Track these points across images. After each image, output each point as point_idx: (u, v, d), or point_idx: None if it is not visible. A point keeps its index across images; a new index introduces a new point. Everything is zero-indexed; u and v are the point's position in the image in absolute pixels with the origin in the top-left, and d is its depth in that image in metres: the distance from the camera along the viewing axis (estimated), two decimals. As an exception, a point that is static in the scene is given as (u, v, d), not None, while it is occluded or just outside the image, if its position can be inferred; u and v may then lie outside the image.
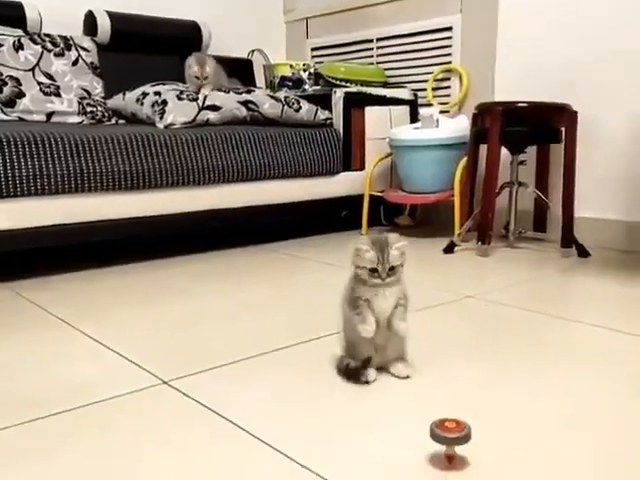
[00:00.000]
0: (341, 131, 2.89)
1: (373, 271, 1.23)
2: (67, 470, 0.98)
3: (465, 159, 2.67)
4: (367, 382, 1.27)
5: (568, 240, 2.44)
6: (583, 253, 2.42)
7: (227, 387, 1.28)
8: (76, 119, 2.73)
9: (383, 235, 1.27)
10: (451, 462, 0.96)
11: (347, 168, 2.91)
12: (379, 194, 2.92)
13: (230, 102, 2.64)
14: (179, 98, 2.55)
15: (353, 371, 1.28)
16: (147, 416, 1.16)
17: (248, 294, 1.97)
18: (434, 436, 0.95)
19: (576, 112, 2.43)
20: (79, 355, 1.46)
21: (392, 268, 1.24)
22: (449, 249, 2.53)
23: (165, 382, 1.30)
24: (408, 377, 1.30)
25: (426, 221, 3.14)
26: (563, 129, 2.44)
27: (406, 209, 3.14)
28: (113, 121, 2.83)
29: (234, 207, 2.55)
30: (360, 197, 2.93)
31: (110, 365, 1.40)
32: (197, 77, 2.68)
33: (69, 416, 1.15)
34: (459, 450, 0.97)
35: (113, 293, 1.99)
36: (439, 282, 2.08)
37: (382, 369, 1.31)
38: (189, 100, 2.56)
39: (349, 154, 2.91)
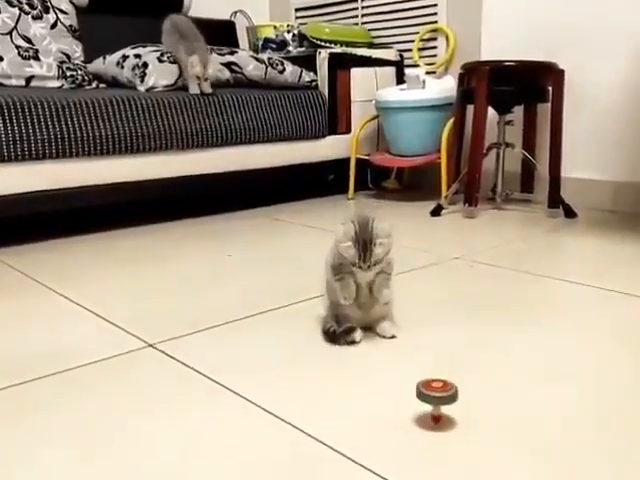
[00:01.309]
0: (326, 93, 2.84)
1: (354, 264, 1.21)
2: (48, 435, 0.97)
3: (452, 120, 2.65)
4: (353, 342, 1.27)
5: (555, 200, 2.43)
6: (570, 213, 2.42)
7: (213, 349, 1.27)
8: (56, 83, 2.66)
9: (369, 223, 1.20)
10: (437, 423, 0.96)
11: (333, 131, 2.88)
12: (366, 157, 2.89)
13: (213, 64, 2.59)
14: (160, 60, 2.49)
15: (337, 335, 1.28)
16: (133, 378, 1.15)
17: (233, 258, 1.95)
18: (420, 395, 0.95)
19: (563, 70, 2.40)
20: (62, 319, 1.45)
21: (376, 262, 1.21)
22: (436, 212, 2.52)
23: (151, 345, 1.29)
24: (394, 337, 1.30)
25: (413, 184, 3.13)
26: (550, 88, 2.42)
27: (393, 172, 3.12)
28: (94, 85, 2.77)
29: (218, 172, 2.52)
30: (347, 161, 2.90)
31: (94, 329, 1.39)
32: (198, 77, 2.47)
33: (51, 380, 1.15)
34: (446, 410, 0.97)
35: (96, 259, 1.97)
36: (426, 244, 2.08)
37: (368, 329, 1.31)
38: (170, 62, 2.51)
39: (335, 117, 2.87)
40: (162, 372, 1.17)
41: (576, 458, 0.87)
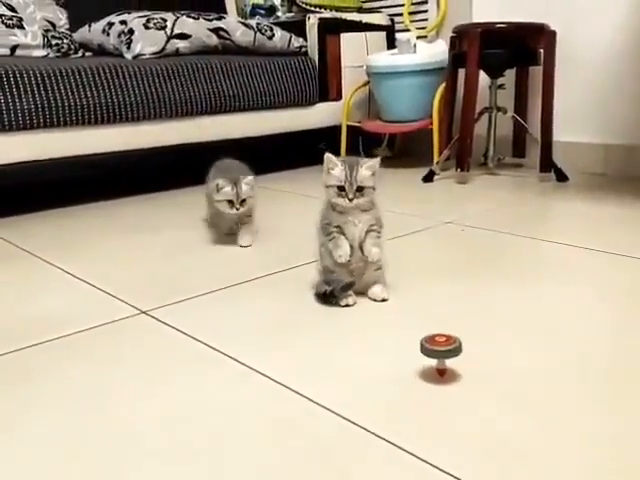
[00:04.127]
0: (316, 59, 2.81)
1: (341, 189, 1.21)
2: (39, 403, 0.97)
3: (444, 85, 2.62)
4: (347, 305, 1.27)
5: (547, 164, 2.43)
6: (561, 177, 2.41)
7: (207, 315, 1.27)
8: (41, 52, 2.61)
9: (355, 158, 1.24)
10: (443, 376, 0.97)
11: (324, 98, 2.85)
12: (357, 124, 2.87)
13: (200, 30, 2.55)
14: (146, 27, 2.45)
15: (334, 291, 1.27)
16: (127, 344, 1.15)
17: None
18: (424, 350, 0.96)
19: (554, 32, 2.38)
20: (54, 288, 1.45)
21: (361, 189, 1.22)
22: (428, 178, 2.51)
23: (143, 312, 1.29)
24: (385, 300, 1.30)
25: (405, 151, 3.11)
26: (542, 50, 2.39)
27: (385, 139, 3.10)
28: (80, 54, 2.72)
29: (208, 140, 2.50)
30: (338, 128, 2.88)
31: (86, 297, 1.39)
32: (230, 201, 1.74)
33: (43, 348, 1.15)
34: (450, 364, 0.98)
35: (86, 229, 1.96)
36: (418, 210, 2.07)
37: (360, 294, 1.31)
38: (157, 29, 2.46)
39: (325, 83, 2.84)
40: (156, 338, 1.17)
41: (563, 410, 0.88)
